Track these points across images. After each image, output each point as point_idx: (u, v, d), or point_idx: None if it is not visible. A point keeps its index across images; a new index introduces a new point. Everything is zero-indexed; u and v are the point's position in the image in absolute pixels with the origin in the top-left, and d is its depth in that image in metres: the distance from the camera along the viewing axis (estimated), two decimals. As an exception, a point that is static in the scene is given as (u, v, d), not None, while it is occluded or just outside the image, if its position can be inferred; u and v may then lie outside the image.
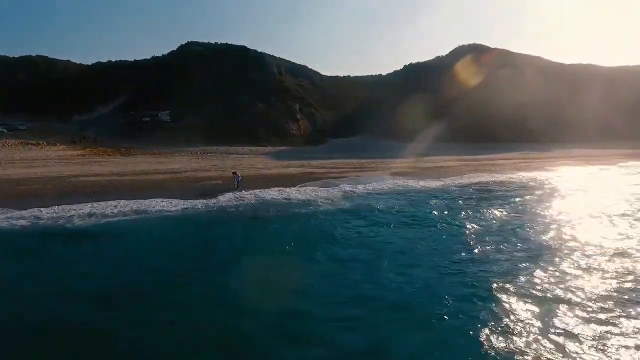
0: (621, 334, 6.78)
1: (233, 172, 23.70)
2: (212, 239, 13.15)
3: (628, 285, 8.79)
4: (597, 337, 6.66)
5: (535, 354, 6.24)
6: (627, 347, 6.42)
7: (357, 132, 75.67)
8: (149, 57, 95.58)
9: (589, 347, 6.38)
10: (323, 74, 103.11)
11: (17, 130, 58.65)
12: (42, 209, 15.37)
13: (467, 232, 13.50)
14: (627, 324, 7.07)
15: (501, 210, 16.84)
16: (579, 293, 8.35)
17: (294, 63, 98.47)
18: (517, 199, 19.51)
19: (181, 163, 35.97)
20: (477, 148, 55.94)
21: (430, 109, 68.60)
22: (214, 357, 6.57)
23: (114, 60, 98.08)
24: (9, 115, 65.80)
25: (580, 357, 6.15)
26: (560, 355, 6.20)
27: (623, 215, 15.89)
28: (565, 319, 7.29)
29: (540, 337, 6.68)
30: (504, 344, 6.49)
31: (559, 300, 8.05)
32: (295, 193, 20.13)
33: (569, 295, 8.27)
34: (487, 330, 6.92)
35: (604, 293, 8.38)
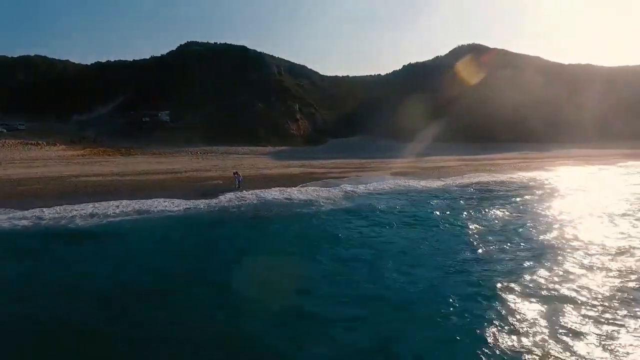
0: (627, 333, 6.81)
1: (234, 172, 23.69)
2: (215, 239, 13.17)
3: (631, 284, 8.83)
4: (602, 336, 6.70)
5: (540, 352, 6.26)
6: (632, 345, 6.45)
7: (357, 132, 75.73)
8: (148, 57, 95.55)
9: (594, 346, 6.42)
10: (322, 74, 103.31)
11: (17, 130, 58.53)
12: (44, 209, 15.36)
13: (470, 231, 13.54)
14: (632, 323, 7.11)
15: (503, 210, 16.90)
16: (583, 292, 8.38)
17: (293, 63, 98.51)
18: (518, 199, 19.57)
19: (182, 163, 35.97)
20: (477, 148, 56.07)
21: (430, 109, 68.72)
22: (217, 357, 6.57)
23: (112, 60, 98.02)
24: (8, 115, 65.66)
25: (586, 356, 6.17)
26: (566, 354, 6.23)
27: (624, 214, 15.95)
28: (570, 317, 7.32)
29: (545, 336, 6.71)
30: (510, 343, 6.52)
31: (563, 299, 8.09)
32: (296, 193, 20.16)
33: (573, 294, 8.30)
34: (492, 329, 6.94)
35: (608, 292, 8.42)
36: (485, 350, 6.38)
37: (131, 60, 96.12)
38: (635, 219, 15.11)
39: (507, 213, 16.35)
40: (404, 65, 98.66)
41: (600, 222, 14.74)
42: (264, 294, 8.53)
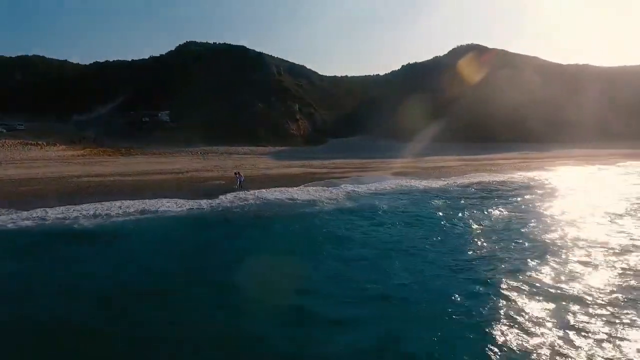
0: (632, 330, 6.86)
1: (235, 173, 23.70)
2: (219, 239, 13.19)
3: (634, 282, 8.89)
4: (607, 334, 6.74)
5: (546, 350, 6.31)
6: (637, 341, 6.51)
7: (357, 132, 75.88)
8: (147, 57, 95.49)
9: (599, 344, 6.46)
10: (321, 74, 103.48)
11: (16, 130, 58.46)
12: (47, 210, 15.38)
13: (473, 231, 13.60)
14: (638, 321, 7.16)
15: (504, 209, 16.96)
16: (587, 290, 8.43)
17: (292, 63, 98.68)
18: (519, 199, 19.63)
19: (183, 163, 35.97)
20: (477, 148, 56.19)
21: (430, 109, 68.93)
22: (218, 357, 6.58)
23: (111, 60, 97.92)
24: (8, 116, 65.56)
25: (591, 354, 6.22)
26: (572, 351, 6.27)
27: (624, 214, 16.03)
28: (574, 315, 7.37)
29: (550, 334, 6.76)
30: (515, 341, 6.56)
31: (567, 297, 8.13)
32: (299, 193, 20.18)
33: (577, 292, 8.35)
34: (497, 328, 6.98)
35: (611, 290, 8.47)
36: (491, 349, 6.41)
37: (130, 60, 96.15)
38: (636, 219, 15.18)
39: (509, 212, 16.41)
40: (403, 65, 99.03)
41: (601, 222, 14.80)
42: (268, 294, 8.57)
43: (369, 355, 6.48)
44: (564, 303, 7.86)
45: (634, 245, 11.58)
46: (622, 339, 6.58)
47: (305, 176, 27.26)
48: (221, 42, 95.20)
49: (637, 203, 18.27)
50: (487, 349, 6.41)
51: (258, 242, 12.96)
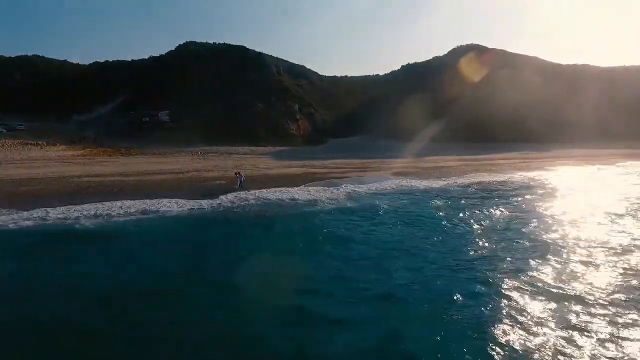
0: (634, 330, 6.88)
1: (236, 173, 23.71)
2: (221, 239, 13.20)
3: (636, 282, 8.91)
4: (608, 333, 6.76)
5: (547, 350, 6.32)
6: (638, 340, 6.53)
7: (357, 132, 75.95)
8: (146, 57, 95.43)
9: (600, 343, 6.47)
10: (321, 74, 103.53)
11: (15, 130, 58.43)
12: (48, 210, 15.36)
13: (474, 231, 13.62)
14: (639, 321, 7.18)
15: (505, 209, 16.98)
16: (588, 289, 8.45)
17: (292, 63, 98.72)
18: (519, 199, 19.66)
19: (183, 163, 35.97)
20: (477, 148, 56.24)
21: (430, 109, 69.00)
22: (221, 357, 6.59)
23: (111, 60, 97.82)
24: (7, 116, 65.52)
25: (592, 353, 6.23)
26: (573, 350, 6.29)
27: (624, 214, 16.06)
28: (576, 315, 7.38)
29: (551, 333, 6.77)
30: (516, 341, 6.57)
31: (568, 297, 8.14)
32: (299, 193, 20.19)
33: (578, 292, 8.36)
34: (499, 327, 7.00)
35: (612, 290, 8.48)
36: (493, 349, 6.42)
37: (130, 60, 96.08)
38: (637, 219, 15.21)
39: (509, 212, 16.43)
40: (402, 65, 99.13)
41: (602, 222, 14.82)
42: (270, 294, 8.58)
43: (370, 355, 6.48)
44: (565, 303, 7.88)
45: (634, 245, 11.59)
46: (624, 339, 6.59)
47: (305, 176, 27.27)
48: (221, 42, 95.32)
49: (637, 203, 18.30)
50: (488, 348, 6.42)
51: (259, 242, 12.97)
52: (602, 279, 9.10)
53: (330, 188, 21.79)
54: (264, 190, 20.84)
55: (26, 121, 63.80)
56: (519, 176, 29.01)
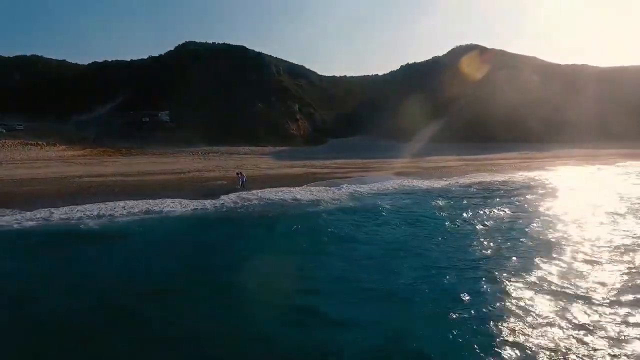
0: (638, 329, 6.92)
1: (237, 173, 23.74)
2: (225, 239, 13.23)
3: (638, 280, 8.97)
4: (612, 332, 6.79)
5: (552, 348, 6.35)
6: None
7: (356, 132, 76.05)
8: (145, 57, 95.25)
9: (605, 342, 6.51)
10: (321, 74, 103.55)
11: (15, 130, 58.33)
12: (51, 210, 15.36)
13: (477, 230, 13.65)
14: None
15: (507, 209, 17.03)
16: (592, 288, 8.50)
17: (292, 63, 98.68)
18: (521, 198, 19.72)
19: (184, 163, 35.97)
20: (477, 148, 56.33)
21: (429, 109, 69.12)
22: (226, 357, 6.60)
23: (110, 60, 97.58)
24: (7, 116, 65.37)
25: (596, 351, 6.26)
26: (577, 349, 6.32)
27: (625, 213, 16.14)
28: (580, 314, 7.42)
29: (556, 332, 6.80)
30: (522, 339, 6.60)
31: (572, 295, 8.19)
32: (302, 193, 20.21)
33: (582, 291, 8.40)
34: (503, 326, 7.04)
35: (617, 289, 8.52)
36: (498, 347, 6.44)
37: (129, 60, 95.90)
38: (638, 218, 15.29)
39: (511, 212, 16.48)
40: (402, 66, 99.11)
41: (603, 221, 14.88)
42: (274, 294, 8.61)
43: (375, 354, 6.50)
44: (570, 302, 7.91)
45: (637, 244, 11.66)
46: (630, 338, 6.62)
47: (307, 176, 27.29)
48: (220, 42, 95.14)
49: (638, 203, 18.39)
50: (494, 348, 6.44)
51: (263, 242, 12.99)
52: (606, 277, 9.14)
53: (333, 188, 21.82)
54: (266, 190, 20.85)
55: (25, 121, 63.68)
56: (519, 176, 29.08)
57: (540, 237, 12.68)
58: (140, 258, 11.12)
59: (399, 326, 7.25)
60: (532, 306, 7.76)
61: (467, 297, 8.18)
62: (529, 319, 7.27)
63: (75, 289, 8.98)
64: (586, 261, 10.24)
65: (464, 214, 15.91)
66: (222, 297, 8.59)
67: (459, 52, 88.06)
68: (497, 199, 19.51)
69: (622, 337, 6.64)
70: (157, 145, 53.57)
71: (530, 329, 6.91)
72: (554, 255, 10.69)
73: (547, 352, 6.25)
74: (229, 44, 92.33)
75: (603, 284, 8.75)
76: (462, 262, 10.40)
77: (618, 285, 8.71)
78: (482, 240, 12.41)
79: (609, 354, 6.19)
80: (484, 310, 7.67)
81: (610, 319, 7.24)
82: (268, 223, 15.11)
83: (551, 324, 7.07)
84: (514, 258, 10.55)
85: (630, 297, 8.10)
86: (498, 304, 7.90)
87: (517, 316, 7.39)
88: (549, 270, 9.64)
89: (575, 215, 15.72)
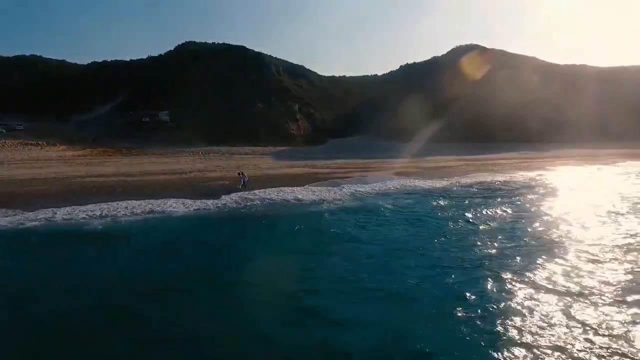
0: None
1: (239, 173, 23.76)
2: (228, 239, 13.25)
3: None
4: (618, 330, 6.84)
5: (555, 347, 6.39)
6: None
7: (356, 132, 76.08)
8: (145, 57, 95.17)
9: (608, 340, 6.56)
10: (320, 74, 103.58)
11: (15, 130, 58.24)
12: (54, 210, 15.37)
13: (479, 230, 13.70)
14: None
15: (509, 209, 17.08)
16: (596, 287, 8.55)
17: (292, 63, 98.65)
18: (523, 198, 19.79)
19: (185, 164, 35.94)
20: (477, 148, 56.37)
21: (429, 109, 69.15)
22: (229, 356, 6.63)
23: (109, 60, 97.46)
24: (7, 116, 65.27)
25: (599, 350, 6.31)
26: (580, 347, 6.37)
27: (626, 213, 16.22)
28: (584, 312, 7.48)
29: (560, 331, 6.85)
30: (527, 338, 6.65)
31: (576, 294, 8.25)
32: (303, 193, 20.23)
33: (585, 290, 8.45)
34: (507, 324, 7.09)
35: (621, 287, 8.58)
36: (503, 346, 6.48)
37: (128, 60, 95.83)
38: (639, 218, 15.35)
39: (513, 212, 16.54)
40: (401, 65, 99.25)
41: (605, 221, 14.96)
42: (280, 294, 8.65)
43: (378, 354, 6.53)
44: (573, 301, 7.96)
45: (639, 244, 11.71)
46: (633, 337, 6.66)
47: (308, 176, 27.31)
48: (220, 42, 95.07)
49: (638, 202, 18.46)
50: (498, 346, 6.47)
51: (267, 242, 13.00)
52: (610, 277, 9.19)
53: (334, 188, 21.85)
54: (268, 190, 20.87)
55: (25, 121, 63.56)
56: (520, 176, 29.14)
57: (543, 236, 12.74)
58: (144, 258, 11.13)
59: (401, 326, 7.29)
60: (536, 305, 7.80)
61: (471, 297, 8.23)
62: (533, 318, 7.31)
63: (80, 289, 9.00)
64: (589, 260, 10.30)
65: (466, 214, 15.96)
66: (225, 297, 8.62)
67: (458, 52, 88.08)
68: (499, 199, 19.56)
69: (627, 336, 6.68)
70: (158, 145, 53.52)
71: (535, 328, 6.95)
72: (557, 255, 10.74)
73: (552, 352, 6.29)
74: (229, 44, 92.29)
75: (606, 283, 8.81)
76: (465, 261, 10.44)
77: (622, 285, 8.76)
78: (484, 239, 12.46)
79: (613, 353, 6.23)
80: (488, 309, 7.71)
81: (615, 318, 7.28)
82: (270, 223, 15.13)
83: (556, 324, 7.11)
84: (517, 257, 10.59)
85: (635, 296, 8.14)
86: (502, 304, 7.94)
87: (521, 315, 7.44)
88: (552, 269, 9.70)
89: (576, 215, 15.77)
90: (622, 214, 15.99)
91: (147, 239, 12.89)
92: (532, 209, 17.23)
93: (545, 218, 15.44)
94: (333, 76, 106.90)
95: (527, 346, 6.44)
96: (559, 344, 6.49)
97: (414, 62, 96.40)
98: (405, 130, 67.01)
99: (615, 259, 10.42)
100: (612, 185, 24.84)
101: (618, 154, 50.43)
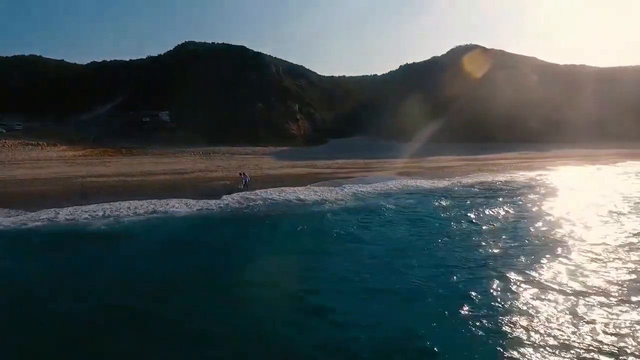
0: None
1: (240, 173, 23.75)
2: (231, 239, 13.25)
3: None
4: (622, 329, 6.86)
5: (559, 346, 6.42)
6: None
7: (356, 132, 76.08)
8: (144, 57, 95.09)
9: (614, 338, 6.59)
10: (320, 74, 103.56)
11: (14, 130, 58.15)
12: (56, 210, 15.36)
13: (482, 230, 13.72)
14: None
15: (510, 208, 17.13)
16: (598, 286, 8.58)
17: (291, 63, 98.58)
18: (524, 198, 19.84)
19: (186, 164, 35.93)
20: (477, 148, 56.41)
21: (429, 109, 69.17)
22: (234, 355, 6.63)
23: (109, 60, 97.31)
24: (7, 116, 65.14)
25: (602, 348, 6.33)
26: (585, 345, 6.39)
27: (627, 212, 16.27)
28: (586, 311, 7.51)
29: (562, 330, 6.87)
30: (530, 337, 6.67)
31: (578, 293, 8.27)
32: (305, 193, 20.24)
33: (587, 289, 8.48)
34: (512, 323, 7.11)
35: (624, 286, 8.60)
36: (506, 345, 6.50)
37: (128, 60, 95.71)
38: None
39: (515, 212, 16.58)
40: (401, 65, 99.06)
41: (607, 220, 15.01)
42: (284, 293, 8.67)
43: (381, 353, 6.54)
44: (578, 299, 7.99)
45: (641, 243, 11.77)
46: (638, 336, 6.69)
47: (310, 176, 27.32)
48: (220, 42, 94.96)
49: (639, 202, 18.52)
50: (502, 345, 6.50)
51: (269, 242, 13.02)
52: (613, 275, 9.23)
53: (336, 188, 21.86)
54: (270, 190, 20.88)
55: (25, 121, 63.47)
56: (521, 176, 29.20)
57: (546, 236, 12.77)
58: (147, 258, 11.14)
59: (405, 325, 7.30)
60: (541, 305, 7.82)
61: (476, 296, 8.24)
62: (539, 317, 7.34)
63: (83, 290, 9.00)
64: (593, 260, 10.33)
65: (468, 214, 15.99)
66: (228, 297, 8.63)
67: (458, 52, 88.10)
68: (500, 199, 19.60)
69: (634, 335, 6.70)
70: (158, 146, 53.46)
71: (541, 328, 6.97)
72: (561, 254, 10.78)
73: (558, 351, 6.31)
74: (228, 44, 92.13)
75: (611, 282, 8.84)
76: (469, 261, 10.46)
77: (626, 284, 8.79)
78: (487, 239, 12.48)
79: (619, 352, 6.25)
80: (493, 309, 7.73)
81: (621, 317, 7.31)
82: (273, 223, 15.15)
83: (562, 323, 7.13)
84: (522, 257, 10.62)
85: (639, 295, 8.17)
86: (507, 303, 7.96)
87: (526, 314, 7.46)
88: (556, 269, 9.73)
89: (578, 214, 15.82)
90: (624, 214, 16.04)
91: (150, 239, 12.90)
92: (534, 209, 17.27)
93: (547, 218, 15.47)
94: (333, 76, 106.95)
95: (534, 345, 6.45)
96: (565, 343, 6.52)
97: (414, 62, 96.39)
98: (405, 130, 67.05)
99: (619, 259, 10.46)
100: (613, 185, 24.90)
101: (618, 154, 50.52)
